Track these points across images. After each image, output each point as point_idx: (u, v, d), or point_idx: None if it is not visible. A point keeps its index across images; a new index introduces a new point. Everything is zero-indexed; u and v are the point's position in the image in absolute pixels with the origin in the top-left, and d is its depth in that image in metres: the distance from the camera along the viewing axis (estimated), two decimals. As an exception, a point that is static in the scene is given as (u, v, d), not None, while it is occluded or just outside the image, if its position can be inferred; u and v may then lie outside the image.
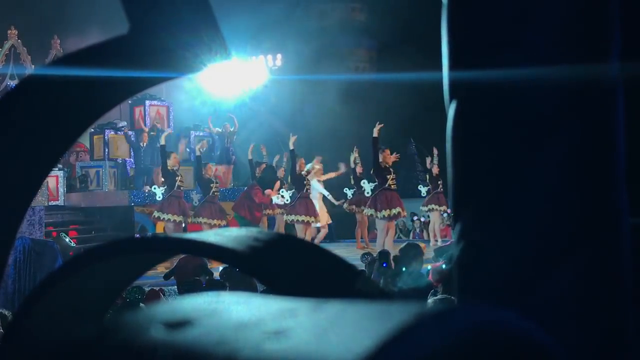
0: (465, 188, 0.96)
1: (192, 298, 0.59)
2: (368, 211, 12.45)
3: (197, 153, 14.01)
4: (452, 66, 0.98)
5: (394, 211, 12.02)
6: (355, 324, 0.47)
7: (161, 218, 13.04)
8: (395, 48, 18.91)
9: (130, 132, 17.18)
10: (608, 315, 0.92)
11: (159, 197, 14.08)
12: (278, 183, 14.37)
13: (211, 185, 13.39)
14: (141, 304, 6.10)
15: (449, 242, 10.72)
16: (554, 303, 0.91)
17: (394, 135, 16.42)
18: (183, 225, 13.16)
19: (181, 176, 13.28)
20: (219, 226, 13.24)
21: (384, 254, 8.46)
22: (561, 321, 0.91)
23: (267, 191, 14.04)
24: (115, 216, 15.48)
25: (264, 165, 14.69)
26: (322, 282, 0.91)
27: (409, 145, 19.19)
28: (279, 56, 19.09)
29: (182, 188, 13.27)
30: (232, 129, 18.04)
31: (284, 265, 0.91)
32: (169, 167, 12.99)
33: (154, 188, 14.50)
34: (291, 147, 13.19)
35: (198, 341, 0.49)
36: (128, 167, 16.86)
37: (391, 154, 12.55)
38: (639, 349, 0.94)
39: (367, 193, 13.66)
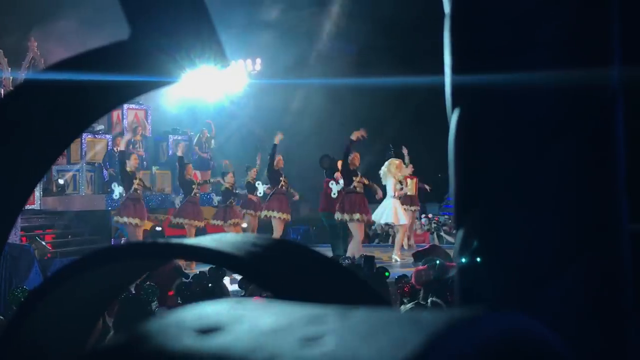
0: (468, 194, 0.96)
1: (215, 304, 0.59)
2: (338, 216, 12.40)
3: (179, 154, 14.00)
4: (455, 75, 0.99)
5: (355, 216, 12.01)
6: (387, 330, 0.47)
7: (120, 222, 13.04)
8: (375, 53, 18.97)
9: (107, 136, 17.05)
10: (609, 319, 0.93)
11: (116, 196, 14.14)
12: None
13: (192, 186, 13.37)
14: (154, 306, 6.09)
15: (426, 246, 10.76)
16: (556, 307, 0.91)
17: (372, 139, 16.44)
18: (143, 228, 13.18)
19: (139, 179, 13.24)
20: (200, 228, 13.29)
21: (369, 259, 8.47)
22: (562, 325, 0.91)
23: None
24: (92, 220, 15.34)
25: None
26: (320, 286, 0.91)
27: (387, 149, 19.21)
28: (258, 60, 19.05)
29: (139, 192, 13.17)
30: (209, 135, 17.96)
31: (283, 270, 0.91)
32: (127, 169, 12.94)
33: (114, 186, 14.51)
34: (276, 142, 13.20)
35: (233, 347, 0.49)
36: (104, 172, 16.72)
37: (361, 157, 12.55)
38: (639, 351, 0.95)
39: (334, 195, 13.71)
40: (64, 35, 14.93)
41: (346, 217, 11.97)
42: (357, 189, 12.23)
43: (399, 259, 12.42)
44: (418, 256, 9.62)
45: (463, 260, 0.96)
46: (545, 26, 0.95)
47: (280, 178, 13.24)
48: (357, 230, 12.12)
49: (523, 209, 0.95)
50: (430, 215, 18.12)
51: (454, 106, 1.00)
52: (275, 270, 0.91)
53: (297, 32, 18.78)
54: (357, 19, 18.79)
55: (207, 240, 0.94)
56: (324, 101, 18.93)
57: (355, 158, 12.33)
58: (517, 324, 0.48)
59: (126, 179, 13.10)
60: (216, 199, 15.58)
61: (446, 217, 18.49)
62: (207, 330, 0.52)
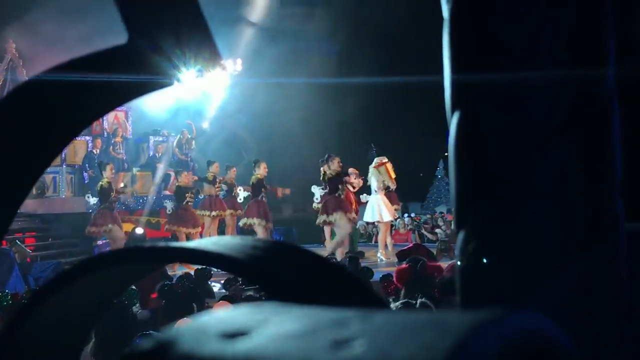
0: (468, 195, 0.97)
1: (235, 309, 0.58)
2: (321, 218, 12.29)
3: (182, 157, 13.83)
4: (455, 77, 0.99)
5: (330, 218, 11.96)
6: (415, 332, 0.47)
7: (99, 231, 13.04)
8: (356, 53, 19.01)
9: (87, 138, 16.92)
10: (606, 318, 0.93)
11: (93, 204, 14.09)
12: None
13: (186, 195, 13.29)
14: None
15: (410, 245, 10.78)
16: (555, 306, 0.92)
17: (354, 139, 16.49)
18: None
19: (117, 190, 13.21)
20: (195, 234, 13.16)
21: (353, 259, 8.49)
22: (561, 324, 0.91)
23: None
24: (73, 223, 15.21)
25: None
26: (319, 286, 0.91)
27: (369, 150, 19.30)
28: (239, 60, 18.99)
29: (114, 204, 13.17)
30: (190, 136, 17.88)
31: (284, 272, 0.91)
32: (104, 181, 13.00)
33: (87, 196, 14.44)
34: (259, 177, 12.98)
35: (263, 352, 0.48)
36: (84, 174, 16.60)
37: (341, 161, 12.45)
38: (636, 351, 0.96)
39: (316, 199, 13.69)
40: (42, 29, 14.77)
41: (330, 218, 11.91)
42: (342, 195, 12.16)
43: (384, 258, 12.40)
44: (402, 255, 9.65)
45: (464, 260, 0.96)
46: (544, 27, 0.95)
47: (262, 189, 13.02)
48: (342, 230, 12.06)
49: (522, 209, 0.95)
50: (412, 215, 18.23)
51: (453, 107, 1.00)
52: (275, 271, 0.91)
53: (278, 32, 18.77)
54: (340, 19, 18.81)
55: (206, 243, 0.93)
56: (306, 101, 18.93)
57: (336, 165, 12.17)
58: (537, 324, 0.49)
59: (102, 192, 13.02)
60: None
61: (428, 216, 18.60)
62: (232, 335, 0.51)
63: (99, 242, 14.33)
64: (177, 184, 13.61)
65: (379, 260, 12.33)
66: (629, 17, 1.10)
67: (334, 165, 11.95)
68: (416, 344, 0.44)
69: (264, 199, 12.88)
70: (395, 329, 0.48)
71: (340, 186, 11.94)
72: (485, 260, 0.95)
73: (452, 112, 1.00)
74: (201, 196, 14.05)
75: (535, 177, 0.94)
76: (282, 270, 0.89)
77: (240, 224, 13.02)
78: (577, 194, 0.95)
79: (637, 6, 1.10)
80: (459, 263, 0.97)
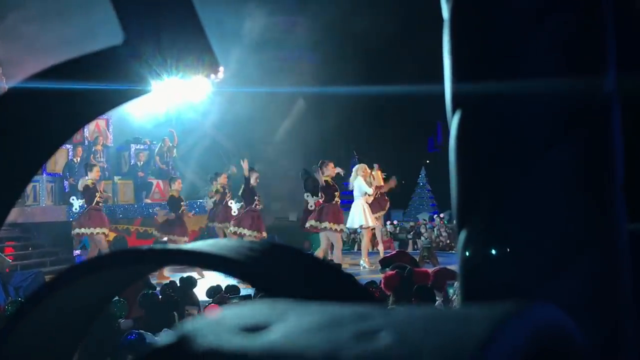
0: (469, 197, 0.97)
1: (250, 305, 0.58)
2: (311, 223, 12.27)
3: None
4: (455, 79, 1.00)
5: (321, 225, 11.98)
6: (441, 325, 0.47)
7: (82, 234, 12.93)
8: (338, 61, 19.06)
9: (67, 146, 16.77)
10: (609, 318, 0.94)
11: (76, 209, 13.91)
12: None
13: (181, 204, 13.28)
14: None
15: (393, 252, 10.79)
16: (558, 305, 0.92)
17: (337, 147, 16.52)
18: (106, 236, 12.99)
19: (101, 192, 13.13)
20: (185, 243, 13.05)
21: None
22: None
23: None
24: (53, 232, 15.06)
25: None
26: (319, 289, 0.91)
27: (351, 157, 19.34)
28: (221, 69, 18.93)
29: (100, 204, 13.05)
30: (171, 144, 17.79)
31: (283, 273, 0.90)
32: (89, 181, 12.89)
33: (72, 199, 14.32)
34: (246, 175, 12.96)
35: (288, 344, 0.48)
36: (65, 182, 16.45)
37: (335, 166, 12.48)
38: (638, 350, 0.97)
39: (310, 207, 13.66)
40: (21, 32, 14.63)
41: (322, 225, 11.90)
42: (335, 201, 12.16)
43: (367, 266, 12.38)
44: (385, 262, 9.65)
45: (465, 261, 0.96)
46: (544, 28, 0.96)
47: (255, 197, 12.96)
48: (335, 239, 12.06)
49: (524, 211, 0.96)
50: (395, 222, 18.26)
51: (454, 109, 1.00)
52: (273, 272, 0.91)
53: (261, 41, 18.77)
54: (323, 28, 18.85)
55: (204, 246, 0.93)
56: (288, 109, 18.93)
57: (330, 169, 12.18)
58: (558, 317, 0.49)
59: (87, 192, 12.90)
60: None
61: (411, 223, 18.64)
62: (253, 329, 0.51)
63: (77, 252, 14.23)
64: (170, 193, 13.54)
65: (361, 267, 12.31)
66: (630, 18, 1.12)
67: (328, 171, 12.00)
68: (443, 336, 0.44)
69: (257, 207, 12.85)
70: (419, 321, 0.47)
71: (336, 193, 11.97)
72: (488, 259, 0.95)
73: (453, 112, 1.01)
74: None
75: (536, 177, 0.95)
76: (280, 271, 0.89)
77: (232, 230, 12.90)
78: (579, 194, 0.96)
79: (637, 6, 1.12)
80: (460, 262, 0.97)
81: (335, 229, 11.87)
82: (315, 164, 12.52)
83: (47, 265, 13.33)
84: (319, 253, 11.82)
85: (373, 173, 13.05)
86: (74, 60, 1.14)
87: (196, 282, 7.83)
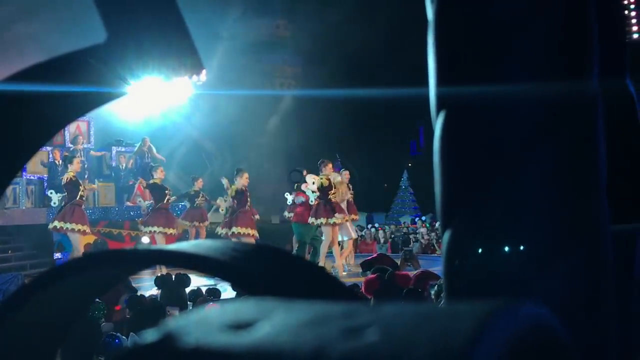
0: (453, 197, 0.97)
1: (235, 303, 0.57)
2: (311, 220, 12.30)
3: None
4: (439, 80, 1.00)
5: (317, 222, 12.06)
6: (429, 321, 0.47)
7: (63, 228, 12.04)
8: (320, 64, 19.10)
9: (47, 148, 16.63)
10: (592, 318, 0.95)
11: (55, 204, 13.62)
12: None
13: (165, 192, 12.73)
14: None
15: (374, 255, 10.81)
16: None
17: (319, 150, 16.51)
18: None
19: (83, 187, 12.38)
20: (173, 235, 12.66)
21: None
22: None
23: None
24: (33, 235, 14.93)
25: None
26: (305, 289, 0.90)
27: (334, 160, 19.35)
28: (203, 71, 18.88)
29: (83, 198, 12.41)
30: (150, 144, 17.64)
31: (267, 274, 0.90)
32: (70, 173, 12.19)
33: (50, 193, 14.05)
34: (235, 188, 12.85)
35: (276, 340, 0.47)
36: (45, 184, 16.32)
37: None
38: (623, 349, 0.98)
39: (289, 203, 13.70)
40: (10, 35, 14.48)
41: (317, 222, 11.97)
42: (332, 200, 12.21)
43: (349, 268, 12.42)
44: (366, 265, 9.67)
45: (449, 261, 0.96)
46: (529, 35, 0.97)
47: (248, 197, 12.83)
48: (327, 233, 12.10)
49: (508, 211, 0.96)
50: (376, 225, 18.28)
51: (438, 110, 1.01)
52: (258, 272, 0.90)
53: (243, 43, 18.74)
54: (306, 32, 18.87)
55: (188, 246, 0.92)
56: (270, 111, 18.93)
57: (328, 170, 12.24)
58: (543, 314, 0.49)
59: (70, 186, 12.10)
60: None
61: (393, 226, 18.68)
62: (239, 326, 0.50)
63: (58, 255, 14.07)
64: (152, 181, 12.83)
65: (345, 272, 12.30)
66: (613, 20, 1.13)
67: (327, 170, 12.10)
68: (431, 331, 0.44)
69: (249, 207, 12.75)
70: (406, 318, 0.47)
71: (330, 192, 12.05)
72: (472, 258, 0.96)
73: (437, 113, 1.01)
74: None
75: (520, 177, 0.96)
76: (265, 271, 0.89)
77: (230, 232, 12.47)
78: (562, 195, 0.97)
79: (622, 9, 1.13)
80: (444, 262, 0.98)
81: (329, 223, 11.94)
82: (298, 167, 12.57)
83: (27, 269, 13.18)
84: (323, 247, 11.92)
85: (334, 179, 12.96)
86: (49, 61, 1.12)
87: (189, 280, 7.74)
